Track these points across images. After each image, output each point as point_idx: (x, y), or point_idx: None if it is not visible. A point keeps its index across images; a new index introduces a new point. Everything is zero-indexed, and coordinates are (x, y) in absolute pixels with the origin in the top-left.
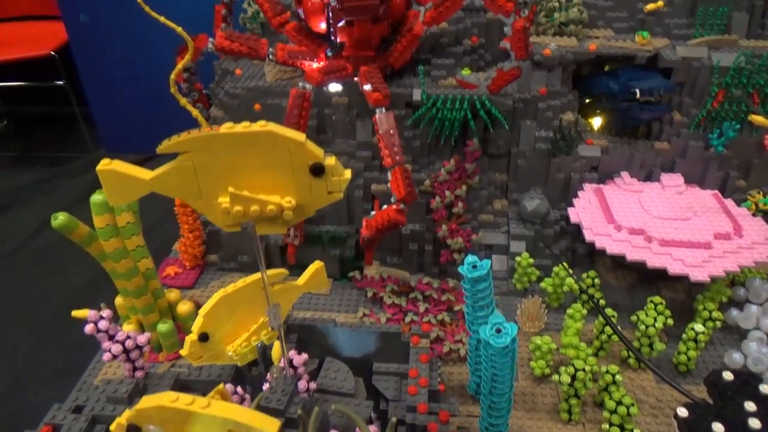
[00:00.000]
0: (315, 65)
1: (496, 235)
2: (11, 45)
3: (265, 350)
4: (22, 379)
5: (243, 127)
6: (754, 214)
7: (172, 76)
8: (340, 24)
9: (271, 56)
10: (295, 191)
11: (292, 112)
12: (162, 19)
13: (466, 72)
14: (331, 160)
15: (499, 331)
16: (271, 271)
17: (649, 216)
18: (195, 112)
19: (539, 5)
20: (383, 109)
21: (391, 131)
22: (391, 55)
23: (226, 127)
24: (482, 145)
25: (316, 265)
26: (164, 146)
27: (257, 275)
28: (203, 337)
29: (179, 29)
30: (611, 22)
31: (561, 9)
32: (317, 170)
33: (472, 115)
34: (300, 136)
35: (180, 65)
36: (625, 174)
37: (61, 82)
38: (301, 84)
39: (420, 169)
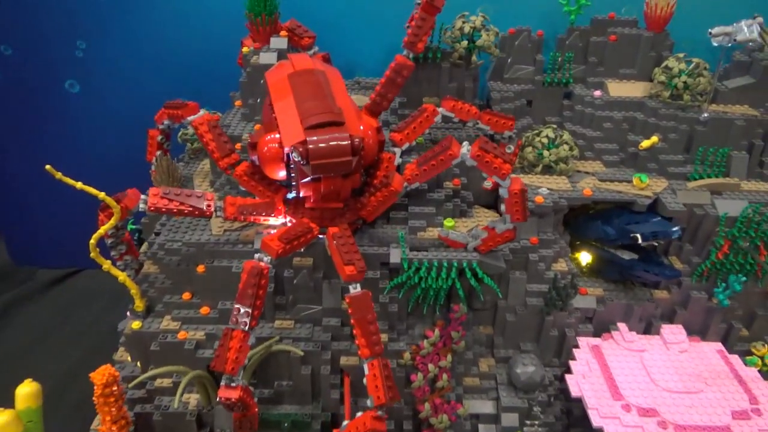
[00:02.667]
0: (272, 220)
1: (483, 404)
2: None
3: None
4: None
5: None
6: (760, 371)
7: (92, 240)
8: (305, 180)
9: (218, 213)
10: None
11: (246, 292)
12: (79, 185)
13: (449, 224)
14: None
15: None
16: None
17: (658, 388)
18: (122, 277)
19: (524, 138)
20: (357, 286)
21: (369, 317)
22: (363, 209)
23: None
24: (465, 299)
25: None
26: None
27: None
28: None
29: (101, 195)
30: (600, 154)
31: (549, 145)
32: None
33: (458, 278)
34: None
35: (102, 230)
36: (622, 326)
37: None
38: (257, 256)
39: (398, 337)
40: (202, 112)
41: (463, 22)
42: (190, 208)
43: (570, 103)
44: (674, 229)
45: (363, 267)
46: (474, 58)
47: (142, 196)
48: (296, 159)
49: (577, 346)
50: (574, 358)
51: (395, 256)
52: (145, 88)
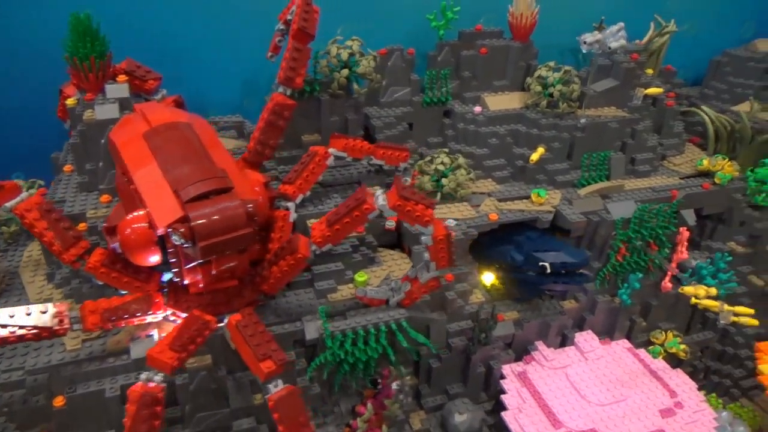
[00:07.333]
0: (150, 317)
1: None
2: None
3: None
4: None
5: None
6: (664, 359)
7: None
8: (191, 266)
9: (75, 326)
10: None
11: (138, 429)
12: None
13: (361, 278)
14: None
15: None
16: None
17: (591, 405)
18: None
19: (417, 166)
20: (279, 382)
21: (301, 419)
22: (264, 282)
23: None
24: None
25: None
26: None
27: None
28: None
29: None
30: (490, 171)
31: (446, 172)
32: None
33: (389, 343)
34: None
35: None
36: (540, 345)
37: None
38: (143, 376)
39: (324, 419)
40: (24, 193)
41: (339, 49)
42: (34, 332)
43: (450, 121)
44: (585, 258)
45: (283, 358)
46: (356, 86)
47: None
48: (177, 242)
49: (503, 377)
50: (502, 390)
51: (312, 331)
52: None
